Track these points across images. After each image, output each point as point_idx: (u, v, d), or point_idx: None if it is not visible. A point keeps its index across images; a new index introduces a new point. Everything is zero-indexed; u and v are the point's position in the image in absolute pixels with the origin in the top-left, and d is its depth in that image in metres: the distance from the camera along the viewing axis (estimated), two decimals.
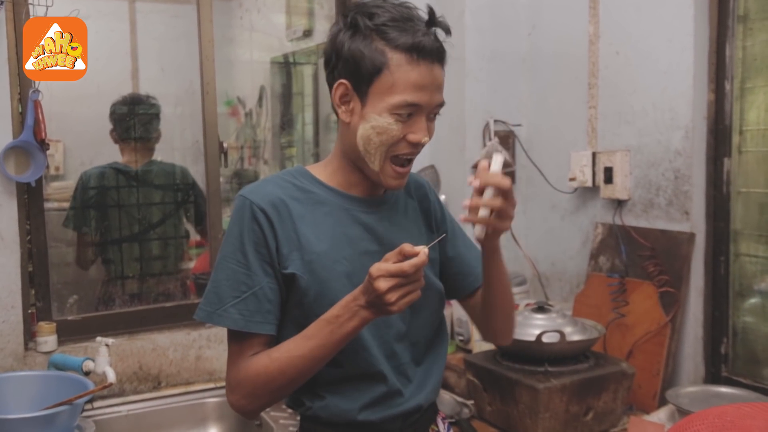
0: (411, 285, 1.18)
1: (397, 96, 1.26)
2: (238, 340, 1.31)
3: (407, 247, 1.17)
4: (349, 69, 1.27)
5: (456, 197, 2.79)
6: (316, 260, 1.30)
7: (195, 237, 2.96)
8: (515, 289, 2.56)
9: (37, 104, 2.13)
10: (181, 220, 2.84)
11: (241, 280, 1.28)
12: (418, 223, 1.48)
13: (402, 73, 1.25)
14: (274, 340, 1.33)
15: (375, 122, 1.27)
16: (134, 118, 2.73)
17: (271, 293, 1.30)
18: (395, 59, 1.25)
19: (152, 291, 2.69)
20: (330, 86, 1.33)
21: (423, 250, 1.17)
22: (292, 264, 1.30)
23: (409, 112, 1.27)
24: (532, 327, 2.01)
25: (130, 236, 2.69)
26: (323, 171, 1.39)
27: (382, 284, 1.15)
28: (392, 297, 1.16)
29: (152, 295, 2.67)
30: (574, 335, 1.99)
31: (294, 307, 1.33)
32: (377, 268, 1.16)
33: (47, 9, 2.09)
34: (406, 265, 1.15)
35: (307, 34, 3.22)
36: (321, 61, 3.20)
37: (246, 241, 1.29)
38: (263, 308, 1.29)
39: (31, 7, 2.13)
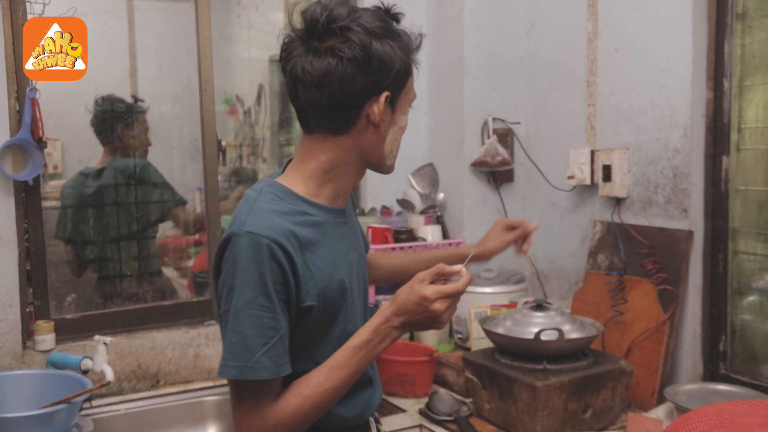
0: (457, 301, 1.26)
1: (412, 92, 1.34)
2: (256, 387, 1.22)
3: (446, 267, 1.26)
4: (394, 77, 1.26)
5: (454, 195, 2.79)
6: (327, 286, 1.28)
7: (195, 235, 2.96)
8: (513, 287, 2.56)
9: (34, 102, 2.13)
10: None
11: (268, 325, 1.20)
12: (357, 221, 1.52)
13: (413, 72, 1.33)
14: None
15: (402, 122, 1.34)
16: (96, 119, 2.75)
17: (287, 331, 1.24)
18: (412, 61, 1.31)
19: (130, 292, 2.67)
20: (355, 98, 1.25)
21: (463, 269, 1.25)
22: (308, 296, 1.25)
23: None
24: (530, 325, 2.01)
25: (114, 238, 2.69)
26: (303, 187, 1.31)
27: (440, 306, 1.22)
28: (446, 316, 1.24)
29: (127, 294, 2.66)
30: (572, 333, 1.99)
31: (296, 337, 1.28)
32: (434, 291, 1.22)
33: (44, 6, 2.08)
34: (462, 285, 1.23)
35: None
36: None
37: (268, 282, 1.19)
38: (286, 348, 1.24)
39: (28, 4, 2.13)
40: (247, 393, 1.23)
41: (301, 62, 1.24)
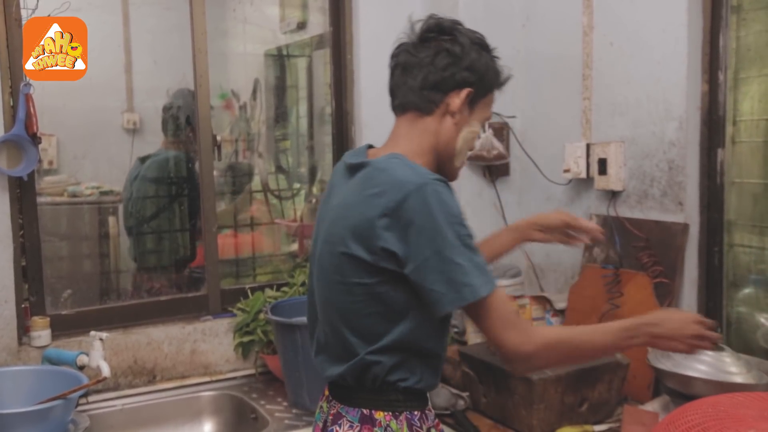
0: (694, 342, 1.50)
1: (489, 110, 1.56)
2: (502, 301, 1.37)
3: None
4: (479, 81, 1.48)
5: None
6: None
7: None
8: (509, 281, 2.56)
9: (28, 98, 2.12)
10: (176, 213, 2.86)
11: (477, 249, 1.38)
12: None
13: (494, 95, 1.57)
14: None
15: (475, 128, 1.53)
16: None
17: None
18: (498, 85, 1.56)
19: (146, 284, 2.69)
20: (443, 84, 1.46)
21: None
22: None
23: None
24: None
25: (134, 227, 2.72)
26: (420, 162, 1.46)
27: (696, 329, 1.47)
28: (689, 342, 1.48)
29: (147, 288, 2.67)
30: None
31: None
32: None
33: (38, 2, 2.07)
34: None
35: (301, 26, 3.21)
36: (315, 54, 3.21)
37: (460, 216, 1.38)
38: None
39: (21, 0, 2.12)
40: (499, 309, 1.36)
41: (409, 49, 1.48)
